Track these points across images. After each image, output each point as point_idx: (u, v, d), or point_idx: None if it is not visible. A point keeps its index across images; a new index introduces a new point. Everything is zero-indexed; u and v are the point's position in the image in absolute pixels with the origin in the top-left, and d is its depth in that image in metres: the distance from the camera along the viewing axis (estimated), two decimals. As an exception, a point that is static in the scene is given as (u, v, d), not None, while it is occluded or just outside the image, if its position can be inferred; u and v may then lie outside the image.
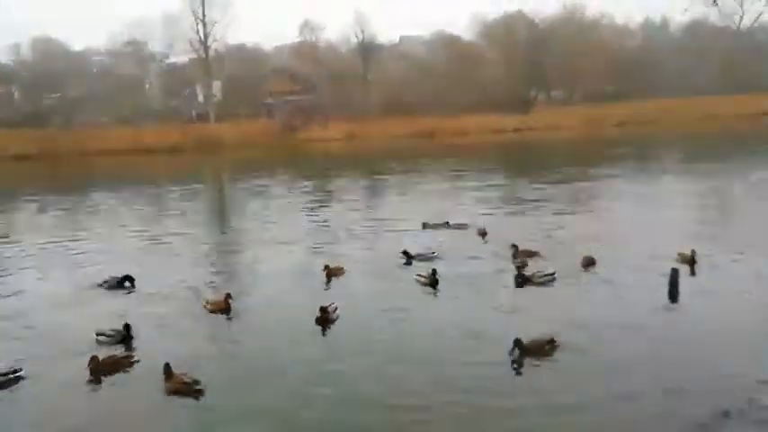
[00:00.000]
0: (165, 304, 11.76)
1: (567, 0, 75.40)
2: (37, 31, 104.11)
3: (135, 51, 73.54)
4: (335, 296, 11.42)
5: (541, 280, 11.96)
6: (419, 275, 12.38)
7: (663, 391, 7.68)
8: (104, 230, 20.08)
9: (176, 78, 73.53)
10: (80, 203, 26.91)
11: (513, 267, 12.87)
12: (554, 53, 68.33)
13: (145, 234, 19.09)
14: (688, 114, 58.69)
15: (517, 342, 8.74)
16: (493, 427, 7.20)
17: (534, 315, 10.36)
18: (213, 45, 66.68)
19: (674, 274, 11.35)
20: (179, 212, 23.68)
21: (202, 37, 65.74)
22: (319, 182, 31.36)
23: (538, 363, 8.63)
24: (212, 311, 11.13)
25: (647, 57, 70.40)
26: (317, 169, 37.76)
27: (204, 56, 66.40)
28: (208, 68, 66.44)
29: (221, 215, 24.33)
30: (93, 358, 8.85)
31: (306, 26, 76.07)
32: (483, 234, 16.26)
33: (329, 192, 27.96)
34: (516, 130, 57.91)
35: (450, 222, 17.60)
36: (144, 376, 8.78)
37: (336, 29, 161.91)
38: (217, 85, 68.82)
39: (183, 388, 8.14)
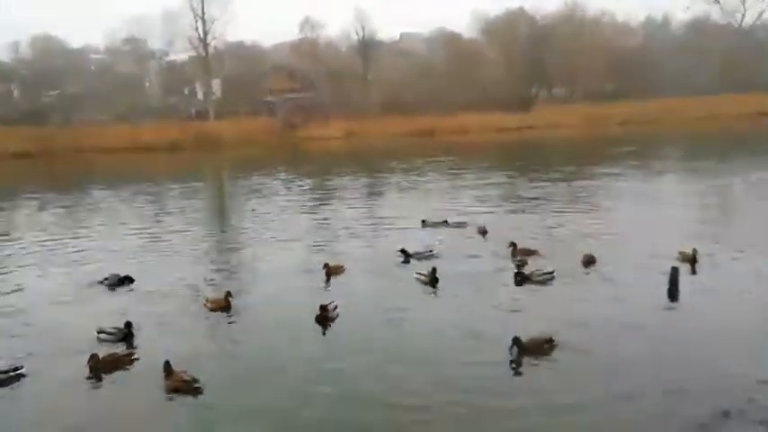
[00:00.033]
0: (164, 302, 11.75)
1: (569, -3, 75.40)
2: (36, 30, 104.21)
3: (134, 49, 73.53)
4: (335, 295, 11.42)
5: (540, 279, 11.95)
6: (419, 274, 12.37)
7: (662, 391, 7.67)
8: (104, 228, 20.06)
9: (176, 76, 73.49)
10: (79, 201, 26.88)
11: (512, 266, 12.88)
12: (555, 51, 68.30)
13: (144, 232, 19.08)
14: (688, 114, 58.65)
15: (516, 340, 8.74)
16: (492, 427, 7.20)
17: (534, 314, 10.36)
18: (213, 43, 66.68)
19: (674, 273, 11.35)
20: (178, 210, 23.65)
21: (202, 34, 65.66)
22: (319, 180, 31.34)
23: (537, 362, 8.63)
24: (212, 310, 11.12)
25: (648, 55, 70.37)
26: (316, 167, 37.72)
27: (204, 53, 66.30)
28: (207, 66, 66.34)
29: (221, 213, 24.31)
30: (93, 356, 8.85)
31: (306, 23, 76.07)
32: (483, 233, 16.25)
33: (329, 190, 27.95)
34: (517, 128, 57.86)
35: (449, 221, 17.59)
36: (144, 374, 8.77)
37: (337, 26, 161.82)
38: (216, 83, 68.73)
39: (183, 386, 8.14)
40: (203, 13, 65.11)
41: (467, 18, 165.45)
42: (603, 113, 60.28)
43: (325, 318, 10.35)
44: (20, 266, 15.16)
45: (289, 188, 28.67)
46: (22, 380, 8.71)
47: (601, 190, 23.59)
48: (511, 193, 24.09)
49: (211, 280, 13.30)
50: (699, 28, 74.87)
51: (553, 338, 8.96)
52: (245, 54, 75.12)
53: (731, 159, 32.38)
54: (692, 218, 17.67)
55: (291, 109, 61.71)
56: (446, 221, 17.56)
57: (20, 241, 18.34)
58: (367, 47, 71.94)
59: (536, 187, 24.97)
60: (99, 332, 9.97)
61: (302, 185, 29.64)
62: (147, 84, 74.49)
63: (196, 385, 8.12)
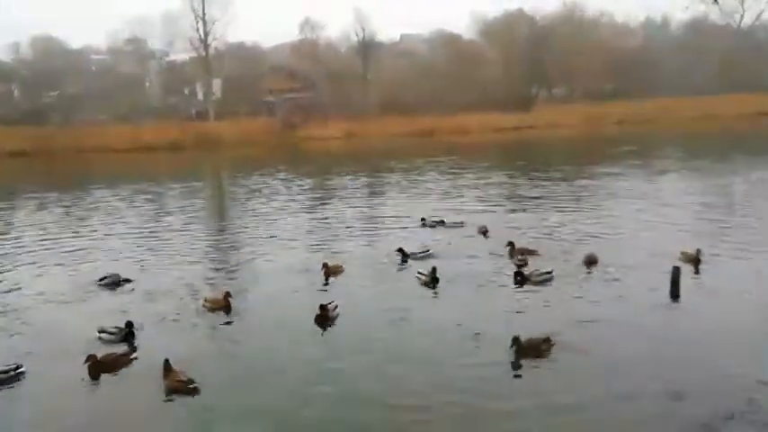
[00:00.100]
0: (164, 302, 11.73)
1: (567, -2, 75.45)
2: (36, 30, 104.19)
3: (135, 49, 73.56)
4: (334, 295, 11.39)
5: (539, 279, 11.93)
6: (420, 273, 12.36)
7: (663, 391, 7.65)
8: (103, 227, 20.03)
9: (176, 76, 73.48)
10: (79, 200, 26.85)
11: (512, 266, 12.86)
12: (554, 51, 68.34)
13: (144, 231, 19.06)
14: (687, 113, 58.69)
15: (515, 340, 8.73)
16: (492, 427, 7.18)
17: (534, 314, 10.34)
18: (213, 43, 66.59)
19: (676, 273, 11.32)
20: (178, 210, 23.63)
21: (202, 35, 65.63)
22: (319, 180, 31.32)
23: (538, 362, 8.61)
24: (211, 309, 11.10)
25: (647, 55, 70.42)
26: (316, 167, 37.70)
27: (204, 54, 66.28)
28: (208, 66, 66.34)
29: (220, 213, 24.29)
30: (91, 356, 8.82)
31: (306, 24, 76.07)
32: (484, 232, 16.24)
33: (328, 190, 27.92)
34: (516, 128, 57.86)
35: (447, 221, 17.57)
36: (142, 374, 8.74)
37: (337, 27, 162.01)
38: (217, 83, 68.72)
39: (179, 386, 8.12)
40: (204, 13, 65.16)
41: (466, 19, 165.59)
42: (602, 113, 60.32)
43: (324, 317, 10.33)
44: (19, 266, 15.14)
45: (288, 188, 28.65)
46: (22, 379, 8.69)
47: (602, 189, 23.57)
48: (511, 193, 24.07)
49: (210, 280, 13.28)
50: (698, 28, 74.90)
51: (551, 338, 8.94)
52: (245, 55, 75.13)
53: (731, 159, 32.37)
54: (694, 217, 17.65)
55: (291, 109, 61.70)
56: (443, 221, 17.55)
57: (19, 240, 18.31)
58: (367, 48, 71.91)
59: (536, 187, 24.96)
60: (100, 332, 9.95)
61: (302, 185, 29.62)
62: (148, 84, 74.49)
63: (192, 386, 8.09)
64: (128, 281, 13.01)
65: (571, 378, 8.16)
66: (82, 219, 22.19)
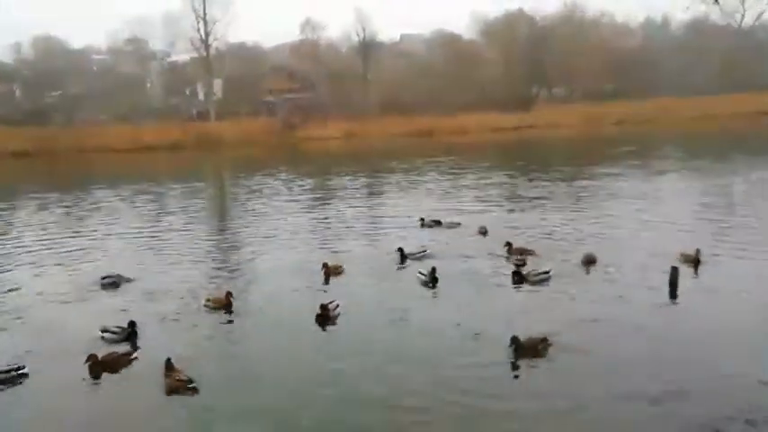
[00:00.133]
0: (165, 301, 11.76)
1: (568, -2, 75.46)
2: (38, 30, 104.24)
3: (136, 50, 73.63)
4: (334, 295, 11.41)
5: (537, 278, 11.95)
6: (420, 273, 12.39)
7: (662, 391, 7.66)
8: (105, 227, 20.07)
9: (177, 77, 73.55)
10: (80, 201, 26.89)
11: (510, 265, 12.89)
12: (554, 51, 68.37)
13: (145, 231, 19.10)
14: (687, 113, 58.72)
15: (514, 340, 8.76)
16: (492, 427, 7.20)
17: (533, 314, 10.36)
18: (214, 44, 66.66)
19: (674, 273, 11.35)
20: (179, 210, 23.67)
21: (203, 35, 65.70)
22: (319, 180, 31.36)
23: (537, 362, 8.63)
24: (213, 309, 11.13)
25: (647, 55, 70.42)
26: (316, 167, 37.74)
27: (205, 54, 66.34)
28: (209, 67, 66.40)
29: (221, 213, 24.33)
30: (91, 356, 8.85)
31: (307, 24, 76.11)
32: (484, 233, 16.27)
33: (329, 190, 27.96)
34: (516, 128, 57.89)
35: (443, 221, 17.59)
36: (143, 374, 8.77)
37: (337, 28, 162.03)
38: (217, 84, 68.79)
39: (179, 385, 8.16)
40: (205, 14, 65.22)
41: (466, 19, 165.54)
42: (602, 113, 60.35)
43: (325, 317, 10.36)
44: (20, 265, 15.18)
45: (289, 188, 28.69)
46: (24, 379, 8.71)
47: (601, 190, 23.58)
48: (511, 193, 24.10)
49: (212, 279, 13.31)
50: (698, 28, 74.86)
51: (548, 338, 8.97)
52: (246, 55, 75.18)
53: (730, 159, 32.37)
54: (693, 217, 17.66)
55: (290, 109, 61.74)
56: (439, 221, 17.57)
57: (20, 240, 18.35)
58: (367, 48, 71.94)
59: (536, 187, 24.98)
60: (103, 331, 9.97)
61: (302, 185, 29.66)
62: (149, 84, 74.56)
63: (191, 385, 8.12)
64: (129, 280, 13.04)
65: (570, 378, 8.18)
66: (83, 219, 22.23)
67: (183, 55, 71.97)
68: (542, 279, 11.96)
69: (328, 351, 9.38)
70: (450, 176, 29.80)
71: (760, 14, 72.06)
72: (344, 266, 13.34)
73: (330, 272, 12.96)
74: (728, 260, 13.00)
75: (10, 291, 13.02)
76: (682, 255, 12.74)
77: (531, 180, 27.22)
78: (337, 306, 10.70)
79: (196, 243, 17.17)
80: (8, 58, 71.63)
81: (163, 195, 28.83)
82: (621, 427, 7.10)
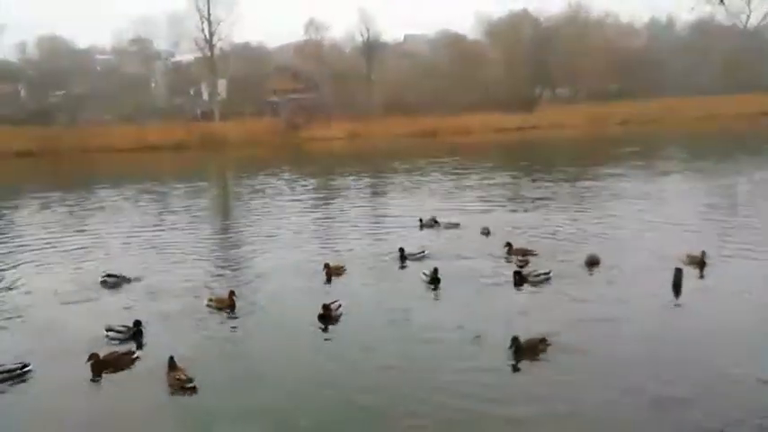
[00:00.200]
0: (168, 301, 11.80)
1: (572, -1, 75.35)
2: (43, 30, 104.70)
3: (140, 50, 73.85)
4: (336, 295, 11.40)
5: (537, 279, 11.94)
6: (424, 273, 12.41)
7: (662, 392, 7.65)
8: (108, 227, 20.15)
9: (181, 77, 73.76)
10: (84, 200, 27.01)
11: (510, 266, 12.89)
12: (558, 52, 68.27)
13: (148, 230, 19.16)
14: (688, 113, 58.56)
15: (515, 340, 8.77)
16: (492, 427, 7.20)
17: (535, 314, 10.35)
18: (218, 44, 66.85)
19: (678, 274, 11.33)
20: (183, 209, 23.75)
21: (207, 36, 65.87)
22: (322, 180, 31.41)
23: (538, 363, 8.63)
24: (216, 308, 11.16)
25: (652, 55, 70.25)
26: (319, 167, 37.79)
27: (209, 54, 66.51)
28: (213, 67, 66.56)
29: (225, 212, 24.39)
30: (93, 355, 8.87)
31: (311, 25, 76.20)
32: (487, 233, 16.26)
33: (332, 190, 28.00)
34: (520, 128, 57.82)
35: (442, 222, 17.55)
36: (145, 373, 8.80)
37: (341, 28, 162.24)
38: (222, 84, 68.94)
39: (178, 384, 8.19)
40: (209, 14, 65.41)
41: (470, 20, 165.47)
42: (606, 113, 60.24)
43: (327, 317, 10.38)
44: (23, 265, 15.23)
45: (292, 188, 28.75)
46: (29, 377, 8.73)
47: (605, 190, 23.54)
48: (514, 194, 24.07)
49: (215, 278, 13.35)
50: (703, 29, 74.60)
51: (546, 338, 8.97)
52: (250, 55, 75.32)
53: (734, 159, 32.27)
54: (697, 218, 17.60)
55: (294, 109, 61.85)
56: (438, 222, 17.53)
57: (24, 240, 18.42)
58: (371, 48, 72.00)
59: (539, 187, 24.95)
60: (108, 330, 10.00)
61: (305, 185, 29.71)
62: (153, 84, 74.80)
63: (190, 385, 8.14)
64: (129, 280, 13.07)
65: (570, 379, 8.16)
66: (86, 218, 22.32)
67: (187, 55, 72.30)
68: (543, 280, 11.94)
69: (330, 351, 9.40)
70: (454, 177, 29.79)
71: (766, 15, 71.88)
72: (346, 266, 13.36)
73: (332, 272, 12.98)
74: (733, 261, 12.96)
75: (13, 289, 13.09)
76: (687, 256, 12.67)
77: (534, 180, 27.18)
78: (339, 306, 10.72)
79: (199, 242, 17.22)
80: (13, 57, 72.07)
81: (166, 195, 28.92)
82: (621, 428, 7.09)
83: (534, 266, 12.64)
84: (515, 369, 8.56)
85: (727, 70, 66.18)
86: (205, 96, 70.74)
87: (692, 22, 75.52)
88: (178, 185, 31.83)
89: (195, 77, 72.59)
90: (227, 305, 11.15)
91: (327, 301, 10.65)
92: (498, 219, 18.35)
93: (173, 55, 74.82)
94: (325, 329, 10.19)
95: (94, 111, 61.49)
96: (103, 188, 30.95)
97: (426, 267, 12.66)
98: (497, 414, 7.39)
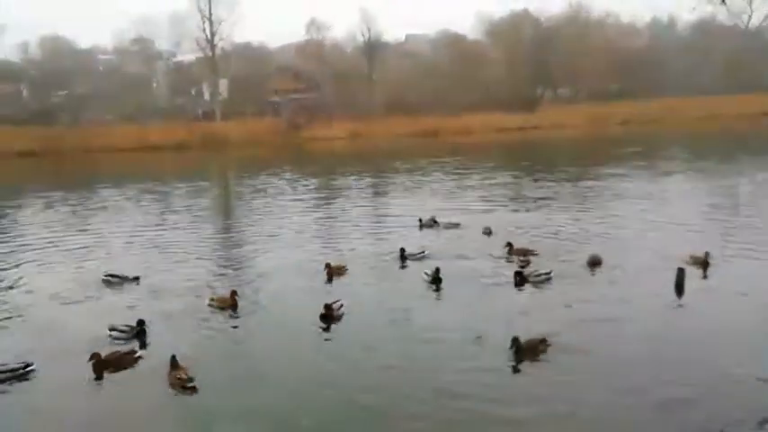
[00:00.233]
0: (170, 300, 11.81)
1: (573, -1, 75.28)
2: (45, 30, 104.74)
3: (142, 50, 73.94)
4: (338, 294, 11.41)
5: (537, 279, 11.92)
6: (425, 273, 12.42)
7: (663, 392, 7.64)
8: (110, 226, 20.17)
9: (183, 77, 73.85)
10: (86, 200, 27.04)
11: (511, 266, 12.88)
12: (559, 52, 68.23)
13: (150, 230, 19.18)
14: (689, 113, 58.50)
15: (515, 340, 8.76)
16: (492, 427, 7.19)
17: (535, 315, 10.34)
18: (220, 44, 66.95)
19: (680, 274, 11.32)
20: (185, 209, 23.78)
21: (209, 35, 65.96)
22: (323, 180, 31.42)
23: (539, 363, 8.62)
24: (218, 308, 11.16)
25: (653, 55, 70.17)
26: (321, 167, 37.81)
27: (211, 54, 66.59)
28: (214, 67, 66.63)
29: (227, 212, 24.41)
30: (95, 354, 8.87)
31: (312, 25, 76.26)
32: (488, 233, 16.25)
33: (333, 190, 28.01)
34: (521, 128, 57.80)
35: (441, 222, 17.53)
36: (146, 372, 8.80)
37: (343, 28, 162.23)
38: (223, 84, 69.00)
39: (178, 383, 8.20)
40: (210, 14, 65.50)
41: (471, 19, 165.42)
42: (607, 113, 60.21)
43: (329, 317, 10.38)
44: (25, 264, 15.24)
45: (294, 188, 28.77)
46: (32, 377, 8.74)
47: (606, 190, 23.52)
48: (516, 194, 24.06)
49: (216, 278, 13.36)
50: (705, 29, 74.54)
51: (547, 339, 8.96)
52: (251, 55, 75.37)
53: (736, 159, 32.25)
54: (699, 218, 17.58)
55: (295, 109, 61.91)
56: (437, 222, 17.51)
57: (26, 239, 18.44)
58: (372, 48, 72.02)
59: (541, 187, 24.93)
60: (111, 330, 10.00)
61: (307, 185, 29.74)
62: (155, 84, 74.89)
63: (190, 384, 8.14)
64: (134, 279, 13.08)
65: (571, 380, 8.15)
66: (88, 217, 22.35)
67: (188, 55, 72.39)
68: (544, 279, 11.93)
69: (331, 351, 9.40)
70: (455, 177, 29.79)
71: (767, 15, 71.74)
72: (348, 266, 13.36)
73: (333, 272, 12.97)
74: (735, 261, 12.93)
75: (15, 289, 13.11)
76: (691, 257, 12.63)
77: (535, 180, 27.16)
78: (341, 306, 10.72)
79: (201, 242, 17.24)
80: (15, 57, 72.18)
81: (168, 195, 28.95)
82: (622, 428, 7.09)
83: (535, 266, 12.62)
84: (516, 369, 8.55)
85: (728, 70, 66.10)
86: (206, 96, 70.81)
87: (694, 22, 75.62)
88: (180, 185, 31.87)
89: (197, 77, 72.67)
90: (228, 305, 11.16)
91: (329, 301, 10.65)
92: (500, 218, 18.35)
93: (174, 55, 74.93)
94: (326, 329, 10.20)
95: (96, 111, 61.58)
96: (105, 188, 30.99)
97: (426, 267, 12.66)
98: (498, 414, 7.38)
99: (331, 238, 16.92)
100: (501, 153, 44.33)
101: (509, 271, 12.52)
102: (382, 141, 53.48)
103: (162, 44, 73.33)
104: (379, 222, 19.20)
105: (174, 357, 8.49)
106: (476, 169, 32.11)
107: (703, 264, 12.47)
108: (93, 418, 7.77)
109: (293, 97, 65.79)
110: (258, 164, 42.39)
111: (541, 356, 8.75)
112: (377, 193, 26.58)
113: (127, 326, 10.04)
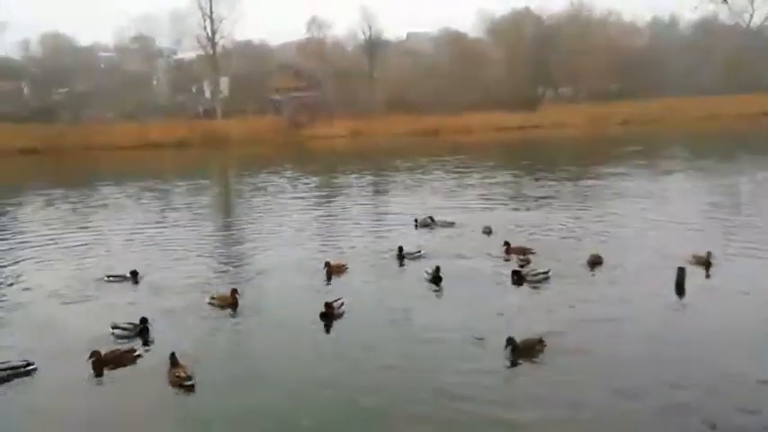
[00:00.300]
0: (171, 298, 11.80)
1: (575, -3, 75.12)
2: (46, 28, 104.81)
3: (143, 47, 73.97)
4: (338, 293, 11.40)
5: (535, 279, 11.91)
6: (426, 272, 12.42)
7: (663, 392, 7.64)
8: (110, 224, 20.18)
9: (184, 74, 73.79)
10: (86, 197, 27.05)
11: (508, 265, 12.87)
12: (560, 51, 68.12)
13: (151, 228, 19.18)
14: (693, 113, 58.41)
15: (510, 340, 8.74)
16: (493, 428, 7.19)
17: (533, 314, 10.32)
18: (221, 41, 66.94)
19: (681, 274, 11.31)
20: (185, 207, 23.78)
21: (210, 33, 65.93)
22: (324, 178, 31.42)
23: (538, 363, 8.60)
24: (219, 306, 11.16)
25: (654, 55, 70.04)
26: (322, 165, 37.81)
27: (212, 52, 66.55)
28: (215, 65, 66.60)
29: (227, 210, 24.41)
30: (95, 352, 8.86)
31: (313, 23, 76.26)
32: (488, 232, 16.24)
33: (334, 188, 28.01)
34: (521, 127, 57.75)
35: (437, 220, 17.51)
36: (146, 371, 8.81)
37: (344, 26, 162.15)
38: (224, 82, 68.95)
39: (177, 381, 8.21)
40: (211, 12, 65.48)
41: (473, 18, 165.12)
42: (608, 113, 60.13)
43: (330, 315, 10.38)
44: (26, 262, 15.25)
45: (294, 186, 28.77)
46: (33, 375, 8.73)
47: (607, 189, 23.51)
48: (516, 192, 24.04)
49: (217, 276, 13.36)
50: (706, 28, 74.41)
51: (543, 339, 8.94)
52: (252, 53, 75.33)
53: (736, 159, 32.21)
54: (700, 217, 17.56)
55: (296, 107, 61.88)
56: (434, 221, 17.50)
57: (26, 237, 18.44)
58: (373, 46, 71.95)
59: (541, 186, 24.91)
60: (114, 327, 9.99)
61: (308, 183, 29.73)
62: (156, 82, 74.84)
63: (189, 383, 8.14)
64: (134, 277, 13.10)
65: (573, 379, 8.14)
66: (89, 215, 22.36)
67: (189, 53, 72.33)
68: (542, 279, 11.91)
69: (331, 350, 9.40)
70: (456, 175, 29.77)
71: (769, 14, 71.58)
72: (348, 265, 13.35)
73: (333, 271, 12.96)
74: (737, 260, 12.92)
75: (15, 286, 13.11)
76: (693, 256, 12.60)
77: (536, 179, 27.14)
78: (342, 304, 10.72)
79: (202, 240, 17.24)
80: (16, 55, 72.19)
81: (169, 192, 28.95)
82: (622, 428, 7.08)
83: (534, 265, 12.60)
84: (515, 370, 8.54)
85: (728, 70, 65.96)
86: (207, 94, 70.78)
87: (695, 21, 75.59)
88: (180, 183, 31.86)
89: (197, 75, 72.62)
90: (229, 303, 11.15)
91: (329, 300, 10.65)
92: (500, 217, 18.34)
93: (175, 53, 74.90)
94: (326, 328, 10.19)
95: (97, 108, 61.57)
96: (106, 185, 30.99)
97: (423, 266, 12.63)
98: (499, 415, 7.36)
99: (331, 236, 16.92)
100: (501, 152, 44.29)
101: (508, 270, 12.50)
102: (383, 140, 53.45)
103: (163, 42, 73.52)
104: (379, 220, 19.20)
105: (173, 355, 8.50)
106: (476, 168, 32.09)
107: (706, 263, 12.44)
108: (93, 416, 7.77)
109: (294, 95, 65.74)
110: (259, 162, 42.38)
111: (539, 356, 8.73)
112: (377, 192, 26.57)
113: (130, 323, 10.03)
